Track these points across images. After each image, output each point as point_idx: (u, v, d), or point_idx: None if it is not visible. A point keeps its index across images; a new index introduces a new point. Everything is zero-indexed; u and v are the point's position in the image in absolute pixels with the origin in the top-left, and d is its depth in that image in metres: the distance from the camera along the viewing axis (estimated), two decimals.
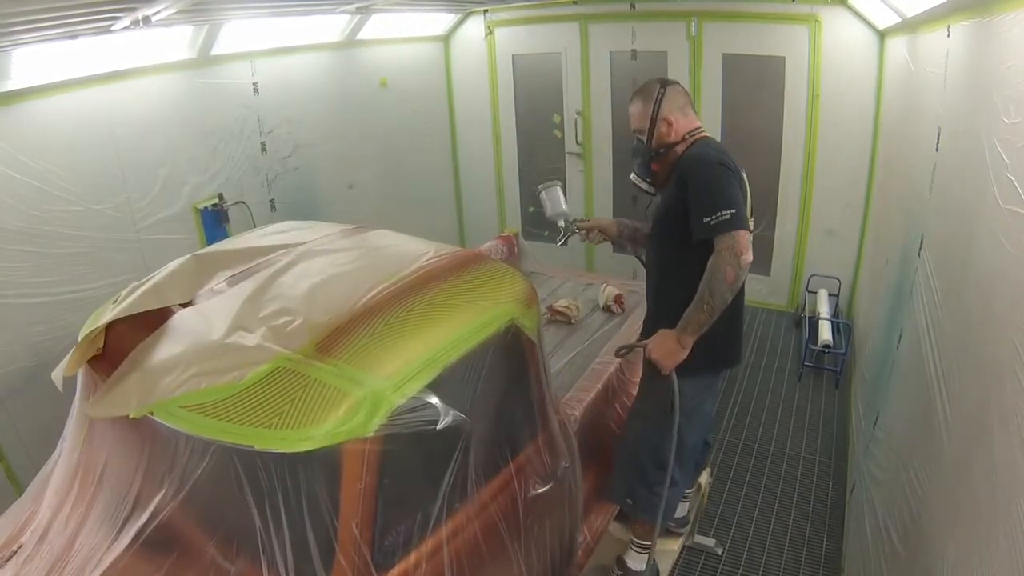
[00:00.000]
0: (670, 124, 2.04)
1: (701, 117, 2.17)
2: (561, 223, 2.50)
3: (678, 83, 2.11)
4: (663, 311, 2.08)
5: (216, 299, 1.80)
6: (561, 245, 2.54)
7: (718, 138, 4.65)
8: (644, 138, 2.09)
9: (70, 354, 1.75)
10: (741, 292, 2.01)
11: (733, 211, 1.80)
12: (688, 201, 1.89)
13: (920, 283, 2.20)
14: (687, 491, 2.61)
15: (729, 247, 1.81)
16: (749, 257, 1.82)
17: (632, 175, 2.20)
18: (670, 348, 1.94)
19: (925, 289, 2.10)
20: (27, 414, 2.70)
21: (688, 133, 2.06)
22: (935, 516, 1.58)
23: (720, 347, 2.08)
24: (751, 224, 1.97)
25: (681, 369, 1.97)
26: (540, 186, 2.58)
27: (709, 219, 1.82)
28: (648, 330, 2.19)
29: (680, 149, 2.06)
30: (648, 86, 2.10)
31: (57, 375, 1.76)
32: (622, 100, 4.96)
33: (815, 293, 4.57)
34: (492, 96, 5.44)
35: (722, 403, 3.81)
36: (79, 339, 1.86)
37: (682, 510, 2.62)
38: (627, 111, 2.15)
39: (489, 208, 5.84)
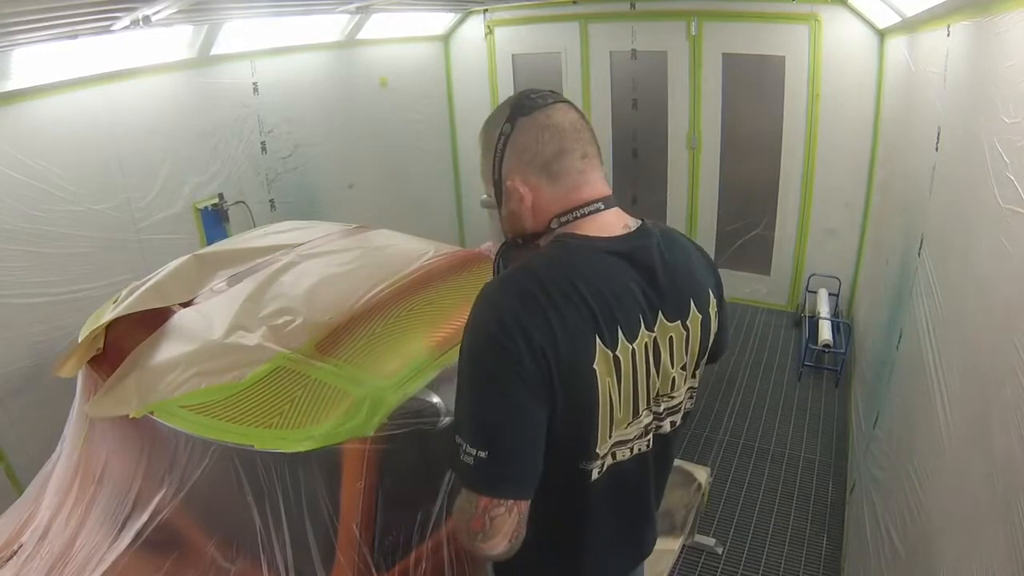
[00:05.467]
0: (521, 198, 1.05)
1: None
2: None
3: (556, 108, 1.05)
4: None
5: (216, 299, 1.80)
6: None
7: (717, 140, 4.68)
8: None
9: (69, 348, 1.75)
10: (600, 551, 1.16)
11: (484, 454, 0.91)
12: None
13: (920, 283, 2.20)
14: None
15: (460, 514, 0.96)
16: (495, 546, 0.93)
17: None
18: None
19: (925, 289, 2.10)
20: (27, 414, 2.69)
21: (562, 215, 1.04)
22: (935, 516, 1.58)
23: None
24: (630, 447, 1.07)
25: None
26: None
27: (457, 446, 0.94)
28: None
29: (544, 245, 1.07)
30: (490, 120, 1.09)
31: (61, 367, 1.75)
32: (622, 100, 5.02)
33: (815, 293, 4.57)
34: (492, 96, 5.43)
35: (722, 403, 3.81)
36: (79, 340, 1.87)
37: None
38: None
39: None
